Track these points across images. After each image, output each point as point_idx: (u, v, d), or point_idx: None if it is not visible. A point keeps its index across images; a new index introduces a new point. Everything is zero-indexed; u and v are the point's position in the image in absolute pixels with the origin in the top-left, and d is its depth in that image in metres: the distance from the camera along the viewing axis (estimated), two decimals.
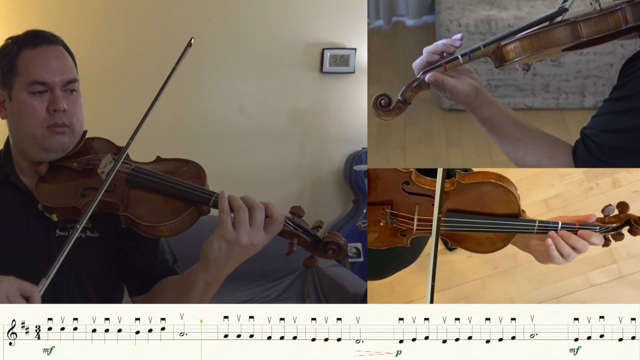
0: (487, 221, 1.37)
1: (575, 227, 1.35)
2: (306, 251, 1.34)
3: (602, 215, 1.38)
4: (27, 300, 1.21)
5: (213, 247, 1.27)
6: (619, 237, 1.37)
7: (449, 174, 1.36)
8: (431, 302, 1.31)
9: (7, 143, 1.48)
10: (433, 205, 1.33)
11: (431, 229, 1.33)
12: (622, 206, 1.38)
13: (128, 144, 1.38)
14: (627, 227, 1.37)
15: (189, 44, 1.39)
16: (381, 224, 1.41)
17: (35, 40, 1.40)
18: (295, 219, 1.33)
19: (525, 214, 1.40)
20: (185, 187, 1.33)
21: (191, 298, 1.34)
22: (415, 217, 1.39)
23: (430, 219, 1.34)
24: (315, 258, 1.33)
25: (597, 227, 1.35)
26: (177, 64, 1.39)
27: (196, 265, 1.34)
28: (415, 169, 1.38)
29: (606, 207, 1.38)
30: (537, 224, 1.36)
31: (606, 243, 1.37)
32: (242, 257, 1.28)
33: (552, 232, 1.35)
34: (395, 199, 1.39)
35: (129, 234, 1.37)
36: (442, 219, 1.35)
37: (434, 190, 1.33)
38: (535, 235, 1.39)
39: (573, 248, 1.34)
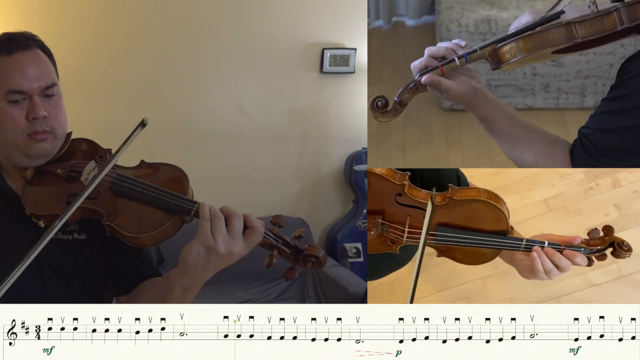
0: (476, 237, 1.37)
1: (561, 247, 1.36)
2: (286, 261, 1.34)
3: (587, 237, 1.40)
4: None
5: (192, 253, 1.27)
6: (602, 257, 1.39)
7: (441, 185, 1.37)
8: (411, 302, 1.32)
9: None
10: (424, 217, 1.34)
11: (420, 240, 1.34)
12: (608, 229, 1.39)
13: (114, 156, 1.34)
14: (611, 249, 1.38)
15: (142, 124, 1.32)
16: (372, 232, 1.42)
17: (10, 46, 1.37)
18: (276, 229, 1.33)
19: (514, 230, 1.41)
20: (168, 197, 1.31)
21: (169, 301, 1.33)
22: (406, 229, 1.39)
23: (420, 231, 1.35)
24: (295, 270, 1.32)
25: (582, 249, 1.36)
26: (125, 142, 1.32)
27: (175, 270, 1.34)
28: (409, 177, 1.39)
29: (592, 229, 1.39)
30: (524, 242, 1.36)
31: (589, 263, 1.38)
32: (220, 264, 1.28)
33: (537, 247, 1.35)
34: (388, 209, 1.40)
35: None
36: (431, 232, 1.36)
37: (425, 203, 1.35)
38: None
39: (556, 266, 1.35)
